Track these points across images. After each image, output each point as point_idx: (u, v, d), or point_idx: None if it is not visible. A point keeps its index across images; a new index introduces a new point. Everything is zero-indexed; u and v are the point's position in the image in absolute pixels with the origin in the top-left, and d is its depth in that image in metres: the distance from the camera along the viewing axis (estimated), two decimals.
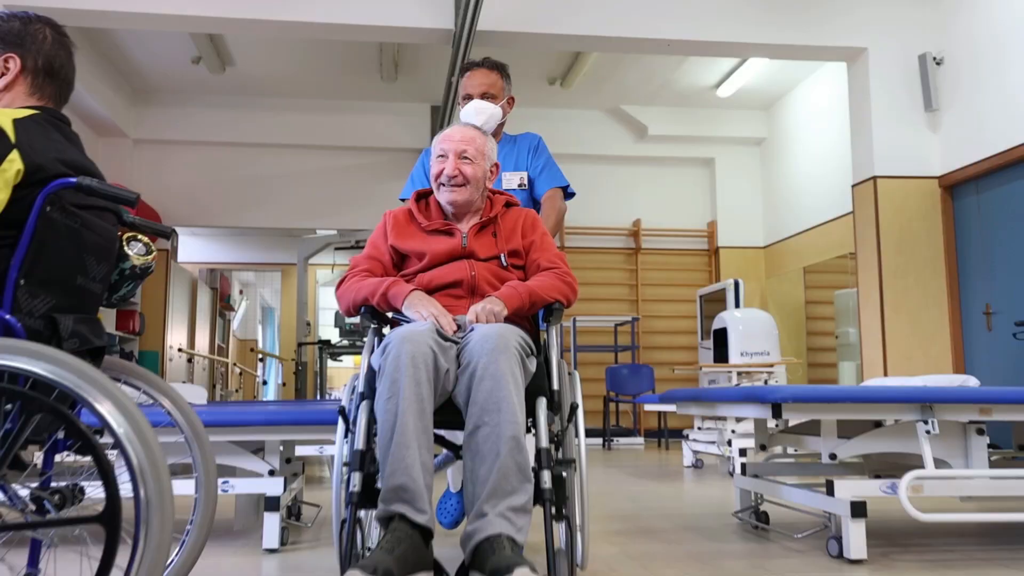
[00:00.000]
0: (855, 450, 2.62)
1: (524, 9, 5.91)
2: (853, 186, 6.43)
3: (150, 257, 1.78)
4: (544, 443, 1.90)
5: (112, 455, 1.37)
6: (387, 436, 1.85)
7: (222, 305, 11.73)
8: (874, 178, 6.17)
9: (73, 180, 1.50)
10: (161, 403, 1.84)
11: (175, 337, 8.90)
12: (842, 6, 6.27)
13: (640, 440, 8.33)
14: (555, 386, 2.07)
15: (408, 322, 2.13)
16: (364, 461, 1.89)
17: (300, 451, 4.41)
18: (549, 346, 2.20)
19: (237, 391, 11.65)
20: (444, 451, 2.39)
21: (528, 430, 1.96)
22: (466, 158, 2.34)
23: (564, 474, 1.93)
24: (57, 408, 1.34)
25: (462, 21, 5.48)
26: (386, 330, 2.30)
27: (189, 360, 9.28)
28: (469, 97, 3.03)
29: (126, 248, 1.76)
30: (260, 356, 12.02)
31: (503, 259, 2.31)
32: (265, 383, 12.05)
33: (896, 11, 6.31)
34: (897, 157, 6.21)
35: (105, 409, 1.33)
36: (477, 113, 2.94)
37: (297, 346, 9.27)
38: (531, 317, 2.33)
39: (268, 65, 7.92)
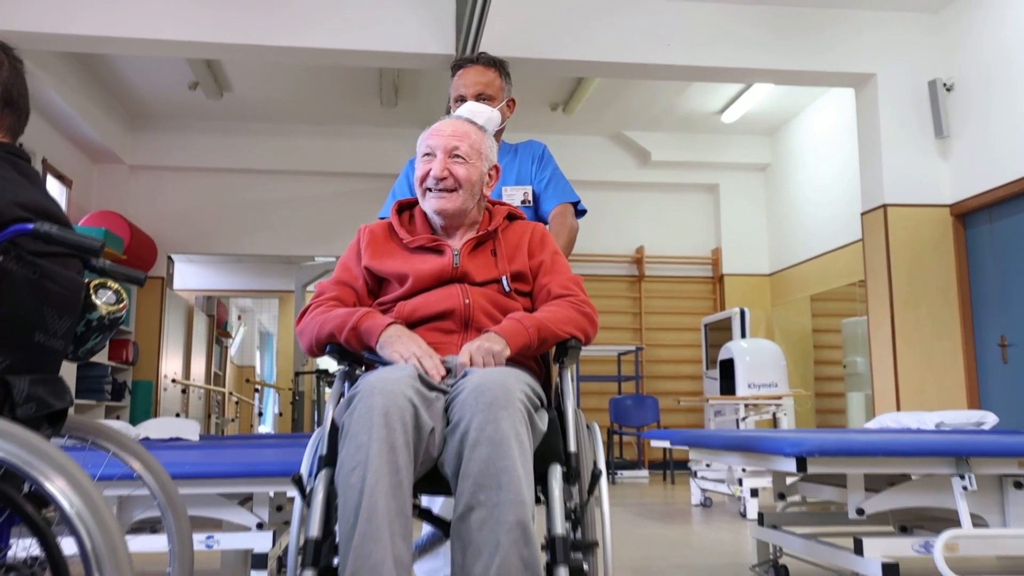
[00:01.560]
0: (883, 505, 2.45)
1: (526, 34, 5.80)
2: (862, 214, 6.29)
3: (120, 306, 1.62)
4: (559, 528, 1.47)
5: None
6: (350, 521, 1.42)
7: (219, 332, 11.57)
8: (884, 206, 6.02)
9: (30, 226, 1.35)
10: (131, 465, 1.68)
11: (170, 366, 8.73)
12: (849, 31, 6.16)
13: (644, 473, 8.13)
14: (572, 447, 1.64)
15: (384, 364, 1.72)
16: (319, 553, 1.46)
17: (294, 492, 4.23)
18: (563, 395, 1.75)
19: (233, 420, 11.48)
20: (428, 529, 1.95)
21: (537, 500, 1.56)
22: (458, 156, 1.91)
23: (586, 566, 1.53)
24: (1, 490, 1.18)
25: (463, 46, 5.37)
26: (360, 372, 1.87)
27: (184, 391, 9.10)
28: (461, 99, 2.59)
29: (94, 297, 1.59)
30: (256, 387, 11.83)
31: (505, 283, 1.88)
32: (261, 414, 11.85)
33: (905, 36, 6.19)
34: (907, 185, 6.07)
35: (56, 487, 1.17)
36: (471, 116, 2.37)
37: (294, 375, 9.09)
38: (540, 357, 1.90)
39: (266, 91, 7.81)
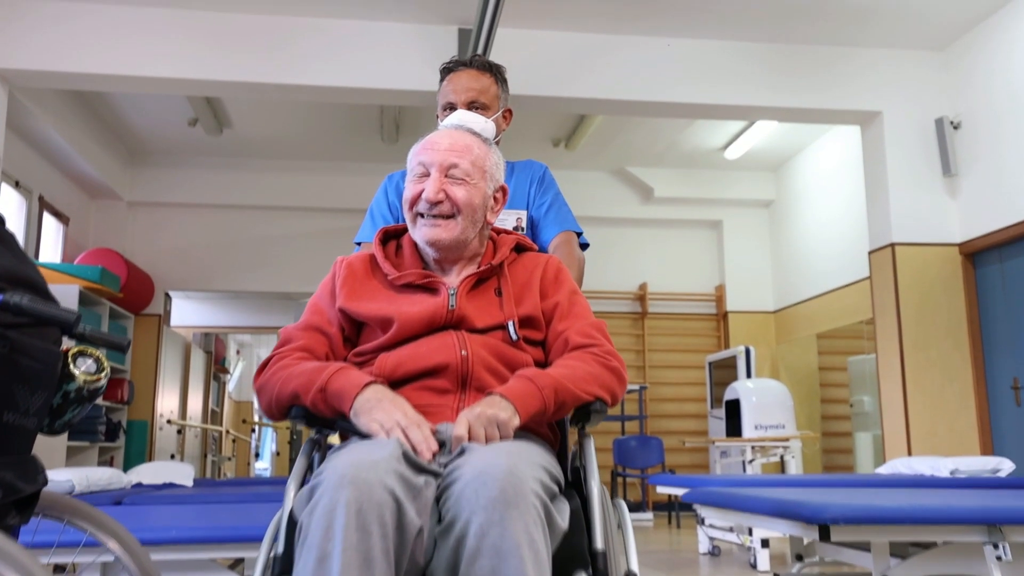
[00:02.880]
0: (910, 573, 2.32)
1: (529, 72, 5.74)
2: (870, 253, 6.20)
3: (101, 375, 1.51)
4: None
5: None
6: None
7: (217, 368, 11.43)
8: (892, 245, 5.93)
9: None
10: (108, 545, 1.56)
11: (166, 404, 8.59)
12: (855, 69, 6.10)
13: (649, 516, 7.96)
14: (599, 545, 1.31)
15: (360, 436, 1.39)
16: None
17: None
18: (587, 473, 1.42)
19: (230, 459, 11.32)
20: None
21: None
22: (457, 177, 1.58)
23: None
24: None
25: None
26: (333, 438, 1.56)
27: (179, 431, 8.95)
28: (451, 107, 2.26)
29: (72, 366, 1.48)
30: (253, 428, 11.66)
31: (512, 330, 1.54)
32: (258, 455, 11.66)
33: (911, 74, 6.14)
34: (915, 223, 5.99)
35: None
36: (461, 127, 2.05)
37: None
38: (556, 422, 1.56)
39: (266, 127, 7.76)
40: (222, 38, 5.55)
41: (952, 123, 6.02)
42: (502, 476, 1.18)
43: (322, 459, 1.48)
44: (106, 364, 1.53)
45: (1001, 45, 5.63)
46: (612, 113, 6.52)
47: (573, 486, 1.51)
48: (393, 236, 1.72)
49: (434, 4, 5.52)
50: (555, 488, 1.31)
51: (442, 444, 1.36)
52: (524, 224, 2.29)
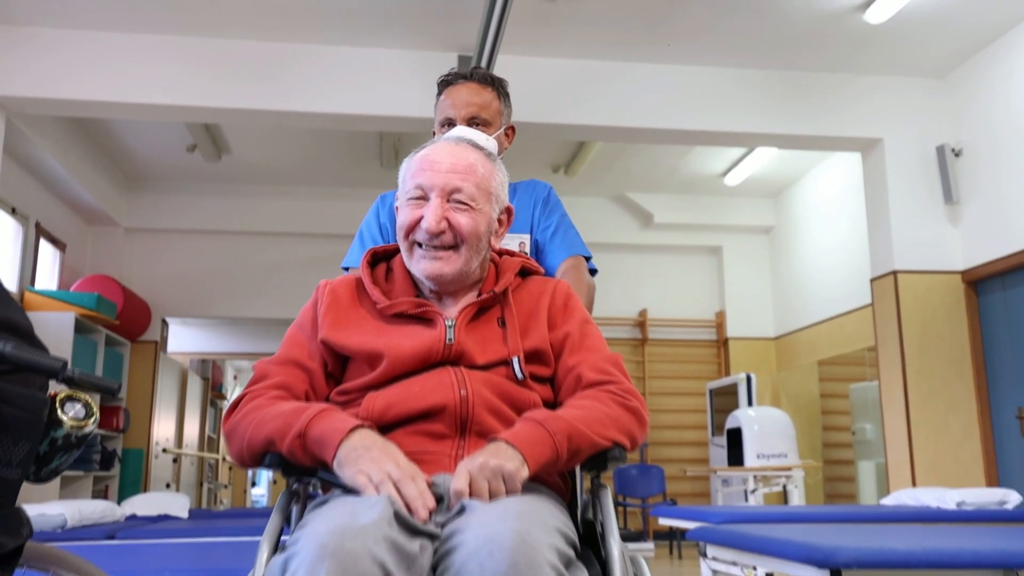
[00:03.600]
0: None
1: (529, 99, 5.72)
2: (872, 280, 6.16)
3: (90, 421, 1.45)
4: None
5: None
6: None
7: (214, 394, 11.35)
8: (894, 272, 5.89)
9: None
10: None
11: (162, 431, 8.51)
12: (855, 96, 6.09)
13: (650, 546, 7.85)
14: None
15: (346, 491, 1.21)
16: None
17: None
18: (606, 530, 1.25)
19: (226, 486, 11.22)
20: None
21: None
22: (460, 202, 1.40)
23: None
24: None
25: None
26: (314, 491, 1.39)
27: (175, 460, 8.85)
28: (449, 123, 2.08)
29: (60, 412, 1.42)
30: None
31: (517, 366, 1.36)
32: (255, 483, 11.54)
33: (911, 101, 6.13)
34: (917, 251, 5.95)
35: None
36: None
37: None
38: (567, 472, 1.40)
39: (265, 153, 7.74)
40: (221, 65, 5.53)
41: (953, 150, 6.01)
42: (512, 546, 1.00)
43: (302, 512, 1.31)
44: (95, 409, 1.47)
45: (1002, 72, 5.63)
46: (612, 140, 6.50)
47: (585, 541, 1.34)
48: (383, 258, 1.55)
49: (434, 30, 5.52)
50: (571, 554, 1.13)
51: (439, 499, 1.18)
52: (528, 249, 2.13)
